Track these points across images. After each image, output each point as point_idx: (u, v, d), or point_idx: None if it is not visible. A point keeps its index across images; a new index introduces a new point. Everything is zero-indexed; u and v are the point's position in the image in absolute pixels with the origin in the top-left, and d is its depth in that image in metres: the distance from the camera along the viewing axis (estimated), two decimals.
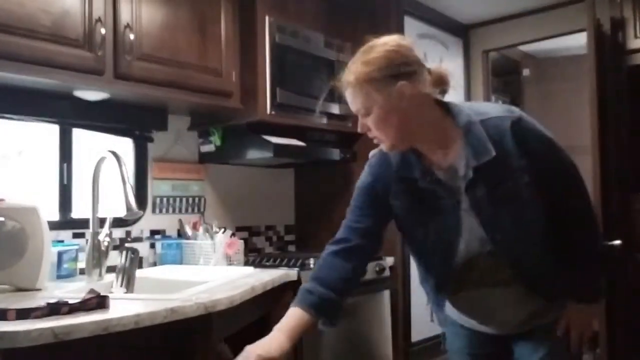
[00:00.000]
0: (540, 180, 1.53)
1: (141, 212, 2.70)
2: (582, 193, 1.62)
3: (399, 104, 1.47)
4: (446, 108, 1.55)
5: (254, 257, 2.98)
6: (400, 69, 1.47)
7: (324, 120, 3.00)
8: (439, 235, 1.59)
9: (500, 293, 1.63)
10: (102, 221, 2.27)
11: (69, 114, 2.43)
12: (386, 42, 1.51)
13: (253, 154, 2.80)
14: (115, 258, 2.17)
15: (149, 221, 2.79)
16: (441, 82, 1.55)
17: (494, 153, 1.48)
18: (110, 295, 1.66)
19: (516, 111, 1.57)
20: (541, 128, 1.56)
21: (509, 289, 1.62)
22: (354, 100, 1.54)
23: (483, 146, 1.49)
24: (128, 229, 2.70)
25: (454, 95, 1.61)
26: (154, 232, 2.80)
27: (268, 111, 2.69)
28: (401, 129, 1.51)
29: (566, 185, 1.60)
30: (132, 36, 2.25)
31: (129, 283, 2.13)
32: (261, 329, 2.45)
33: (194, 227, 2.81)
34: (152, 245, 2.78)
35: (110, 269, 2.23)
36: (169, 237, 2.85)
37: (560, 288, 1.64)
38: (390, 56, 1.47)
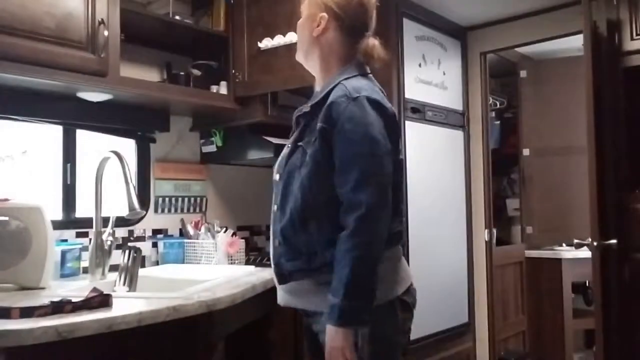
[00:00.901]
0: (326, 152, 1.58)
1: (144, 212, 2.71)
2: (349, 181, 1.53)
3: (312, 24, 1.70)
4: (344, 65, 1.70)
5: (255, 256, 2.99)
6: (333, 7, 1.68)
7: None
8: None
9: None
10: (105, 221, 2.29)
11: (72, 115, 2.45)
12: None
13: (254, 154, 2.83)
14: (118, 257, 2.20)
15: (152, 221, 2.81)
16: (365, 53, 1.71)
17: (308, 109, 1.67)
18: (113, 293, 1.68)
19: (363, 94, 1.59)
20: (360, 114, 1.55)
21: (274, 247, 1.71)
22: None
23: (313, 100, 1.68)
24: (131, 228, 2.72)
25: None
26: (156, 232, 2.83)
27: (269, 112, 2.72)
28: (302, 43, 1.77)
29: (339, 165, 1.56)
30: None
31: (131, 282, 2.14)
32: (262, 327, 2.49)
33: (196, 226, 2.83)
34: (155, 245, 2.80)
35: (113, 268, 2.25)
36: (171, 236, 2.87)
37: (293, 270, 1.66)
38: None
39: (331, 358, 1.51)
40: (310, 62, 1.77)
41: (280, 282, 1.73)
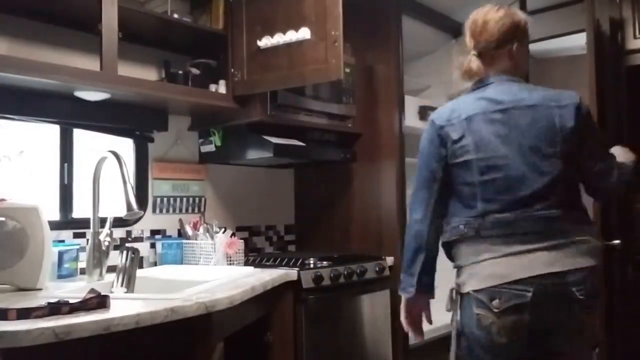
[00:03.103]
0: None
1: (142, 212, 2.70)
2: None
3: None
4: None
5: (254, 256, 2.98)
6: None
7: (324, 120, 3.00)
8: None
9: None
10: (102, 221, 2.28)
11: (69, 114, 2.43)
12: None
13: (253, 154, 2.81)
14: (116, 258, 2.18)
15: (150, 221, 2.79)
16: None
17: None
18: (110, 295, 1.66)
19: None
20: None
21: None
22: None
23: None
24: (128, 228, 2.70)
25: None
26: (154, 232, 2.81)
27: (268, 111, 2.70)
28: None
29: None
30: None
31: (129, 283, 2.13)
32: (261, 328, 2.47)
33: (195, 227, 2.81)
34: (153, 245, 2.79)
35: (111, 269, 2.23)
36: (170, 237, 2.85)
37: None
38: None
39: None
40: None
41: None
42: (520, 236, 1.72)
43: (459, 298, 1.83)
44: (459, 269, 1.85)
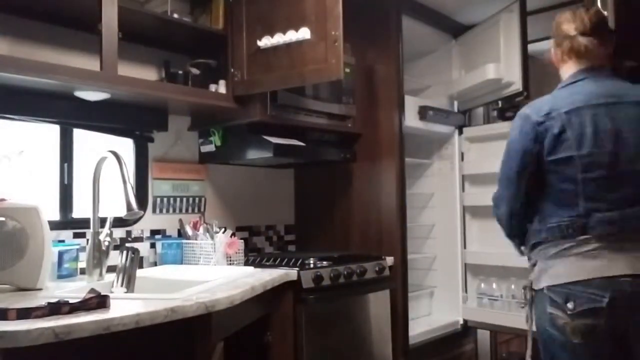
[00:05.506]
0: None
1: (141, 212, 2.70)
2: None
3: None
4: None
5: (254, 256, 2.98)
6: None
7: (324, 120, 3.00)
8: None
9: None
10: (102, 221, 2.28)
11: (69, 114, 2.43)
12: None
13: (253, 154, 2.81)
14: (116, 258, 2.17)
15: (150, 221, 2.79)
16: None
17: None
18: (110, 295, 1.66)
19: None
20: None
21: None
22: None
23: None
24: (128, 228, 2.70)
25: None
26: (154, 232, 2.81)
27: (268, 111, 2.70)
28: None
29: None
30: None
31: (129, 283, 2.13)
32: (261, 328, 2.47)
33: (195, 227, 2.81)
34: (153, 245, 2.78)
35: (111, 269, 2.23)
36: (170, 237, 2.85)
37: None
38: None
39: None
40: None
41: None
42: (628, 234, 1.71)
43: (532, 295, 1.86)
44: (534, 265, 1.86)
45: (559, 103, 1.84)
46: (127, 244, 2.53)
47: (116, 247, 2.33)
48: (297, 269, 2.55)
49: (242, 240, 2.81)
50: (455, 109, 3.65)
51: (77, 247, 2.37)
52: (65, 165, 2.55)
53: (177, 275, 2.45)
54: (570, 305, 1.70)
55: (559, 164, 1.79)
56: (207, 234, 2.74)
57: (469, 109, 3.66)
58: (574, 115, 1.79)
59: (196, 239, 2.76)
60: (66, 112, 2.41)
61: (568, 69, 1.96)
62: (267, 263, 2.79)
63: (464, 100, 3.57)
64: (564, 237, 1.77)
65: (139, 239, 2.73)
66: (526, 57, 3.03)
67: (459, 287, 3.50)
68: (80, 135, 2.60)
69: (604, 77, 1.88)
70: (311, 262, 2.68)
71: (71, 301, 1.53)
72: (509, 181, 1.91)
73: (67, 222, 2.52)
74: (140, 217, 2.71)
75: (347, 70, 2.95)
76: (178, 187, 2.92)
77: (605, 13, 2.00)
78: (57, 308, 1.47)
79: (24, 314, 1.42)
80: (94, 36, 2.18)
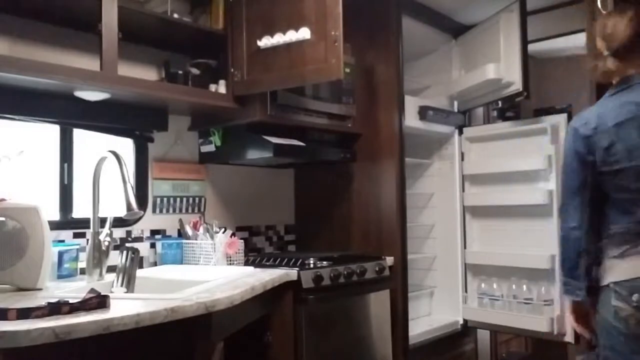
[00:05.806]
0: None
1: (142, 212, 2.70)
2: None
3: None
4: None
5: (254, 256, 2.98)
6: None
7: (324, 120, 3.00)
8: None
9: None
10: (102, 221, 2.28)
11: (69, 114, 2.43)
12: None
13: (253, 154, 2.81)
14: (116, 258, 2.18)
15: (150, 221, 2.79)
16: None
17: None
18: (110, 295, 1.66)
19: None
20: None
21: None
22: None
23: None
24: (128, 228, 2.70)
25: None
26: (154, 232, 2.81)
27: (268, 111, 2.70)
28: None
29: None
30: None
31: (129, 283, 2.13)
32: (261, 328, 2.47)
33: (195, 227, 2.81)
34: (153, 245, 2.78)
35: (111, 269, 2.23)
36: (170, 237, 2.85)
37: None
38: None
39: None
40: None
41: None
42: None
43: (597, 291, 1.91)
44: (598, 264, 1.93)
45: (606, 114, 1.89)
46: (127, 244, 2.54)
47: (116, 247, 2.33)
48: (297, 269, 2.55)
49: (242, 240, 2.81)
50: (455, 109, 3.65)
51: (77, 247, 2.37)
52: (65, 165, 2.55)
53: (177, 275, 2.44)
54: (635, 297, 1.77)
55: (614, 175, 1.87)
56: (207, 234, 2.74)
57: (469, 109, 3.66)
58: (622, 128, 1.84)
59: (196, 239, 2.76)
60: (66, 112, 2.41)
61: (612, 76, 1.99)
62: (267, 263, 2.79)
63: (464, 100, 3.57)
64: (626, 242, 1.85)
65: (139, 239, 2.73)
66: (526, 57, 3.03)
67: (459, 287, 3.50)
68: (80, 136, 2.60)
69: None
70: (311, 262, 2.68)
71: (71, 301, 1.52)
72: (574, 194, 1.97)
73: (67, 222, 2.52)
74: (140, 217, 2.71)
75: (347, 70, 2.95)
76: (178, 187, 2.92)
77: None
78: (57, 308, 1.47)
79: (24, 314, 1.42)
80: (94, 36, 2.19)
